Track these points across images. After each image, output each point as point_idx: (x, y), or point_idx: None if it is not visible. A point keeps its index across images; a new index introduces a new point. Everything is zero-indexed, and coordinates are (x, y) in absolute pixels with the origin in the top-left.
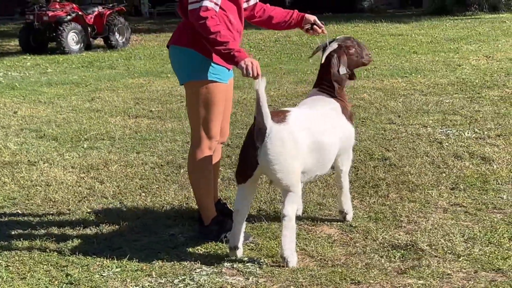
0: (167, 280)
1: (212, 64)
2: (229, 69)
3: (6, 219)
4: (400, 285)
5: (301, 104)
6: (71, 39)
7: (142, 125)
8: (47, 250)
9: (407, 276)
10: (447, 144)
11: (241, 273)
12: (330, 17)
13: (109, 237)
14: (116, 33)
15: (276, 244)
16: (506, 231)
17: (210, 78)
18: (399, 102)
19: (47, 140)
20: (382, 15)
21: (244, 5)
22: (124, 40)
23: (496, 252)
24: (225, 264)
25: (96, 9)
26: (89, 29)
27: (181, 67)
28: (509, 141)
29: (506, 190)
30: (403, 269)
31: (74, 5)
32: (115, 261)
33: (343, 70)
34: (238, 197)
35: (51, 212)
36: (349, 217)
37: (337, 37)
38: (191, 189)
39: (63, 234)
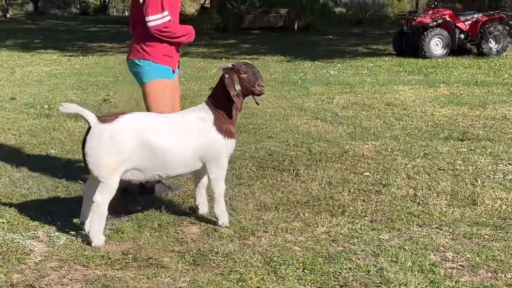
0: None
1: (162, 66)
2: (173, 71)
3: None
4: (108, 274)
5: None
6: (434, 44)
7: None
8: None
9: (127, 263)
10: (465, 182)
11: (47, 241)
12: None
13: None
14: (491, 41)
15: (131, 229)
16: (283, 261)
17: (158, 78)
18: None
19: None
20: None
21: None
22: (499, 48)
23: (214, 271)
24: (52, 233)
25: (474, 15)
26: (461, 35)
27: (138, 74)
28: None
29: (383, 232)
30: (150, 264)
31: (450, 11)
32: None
33: (238, 87)
34: (86, 182)
35: None
36: (221, 222)
37: (237, 60)
38: None
39: None
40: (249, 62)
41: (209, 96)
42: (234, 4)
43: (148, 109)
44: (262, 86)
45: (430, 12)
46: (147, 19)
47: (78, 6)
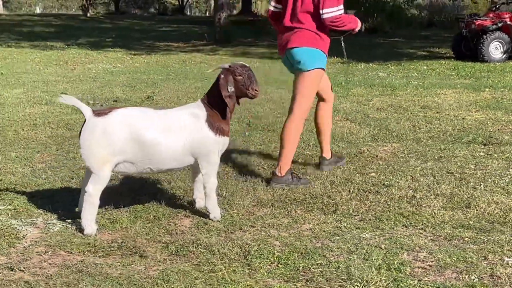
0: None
1: (325, 56)
2: None
3: None
4: (87, 260)
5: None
6: (494, 48)
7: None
8: None
9: (111, 251)
10: (468, 185)
11: (43, 227)
12: None
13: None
14: None
15: (127, 220)
16: (258, 255)
17: (321, 67)
18: None
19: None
20: None
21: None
22: None
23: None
24: (50, 221)
25: None
26: None
27: (305, 61)
28: None
29: (367, 231)
30: (133, 253)
31: (511, 14)
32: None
33: (231, 89)
34: (85, 173)
35: None
36: (212, 216)
37: (235, 62)
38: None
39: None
40: (246, 64)
41: (205, 94)
42: None
43: (298, 95)
44: (256, 90)
45: (491, 15)
46: (322, 11)
47: (157, 6)
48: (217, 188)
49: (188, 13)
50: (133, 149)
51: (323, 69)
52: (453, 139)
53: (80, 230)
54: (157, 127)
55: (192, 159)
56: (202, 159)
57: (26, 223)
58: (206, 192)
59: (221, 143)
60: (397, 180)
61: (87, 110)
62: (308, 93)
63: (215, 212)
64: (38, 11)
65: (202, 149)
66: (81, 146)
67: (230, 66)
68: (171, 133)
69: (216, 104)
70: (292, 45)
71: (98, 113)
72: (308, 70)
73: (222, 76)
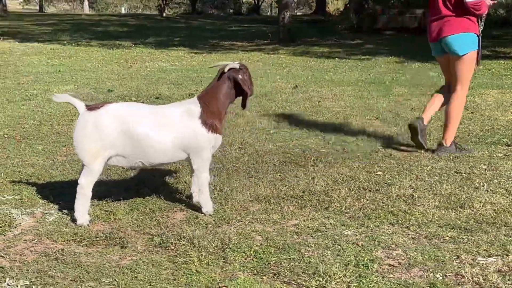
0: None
1: (476, 36)
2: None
3: None
4: (67, 249)
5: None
6: None
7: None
8: None
9: (97, 241)
10: (471, 185)
11: (39, 217)
12: None
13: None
14: None
15: (123, 212)
16: (237, 248)
17: (474, 49)
18: None
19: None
20: None
21: None
22: None
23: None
24: (48, 211)
25: None
26: None
27: (462, 45)
28: None
29: (351, 228)
30: (117, 243)
31: None
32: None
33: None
34: (81, 168)
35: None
36: (204, 210)
37: (235, 62)
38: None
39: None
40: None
41: (202, 91)
42: (370, 4)
43: (458, 77)
44: (252, 89)
45: None
46: None
47: (232, 6)
48: (220, 183)
49: (269, 13)
50: (124, 143)
51: (477, 50)
52: (477, 139)
53: (74, 220)
54: (148, 122)
55: (185, 155)
56: (194, 155)
57: (25, 212)
58: (199, 187)
59: (213, 139)
60: (401, 179)
61: (80, 106)
62: (466, 74)
63: (208, 206)
64: (123, 11)
65: (194, 145)
66: (74, 140)
67: (240, 66)
68: (163, 128)
69: (212, 101)
70: (446, 33)
71: (90, 108)
72: (463, 55)
73: (239, 76)
